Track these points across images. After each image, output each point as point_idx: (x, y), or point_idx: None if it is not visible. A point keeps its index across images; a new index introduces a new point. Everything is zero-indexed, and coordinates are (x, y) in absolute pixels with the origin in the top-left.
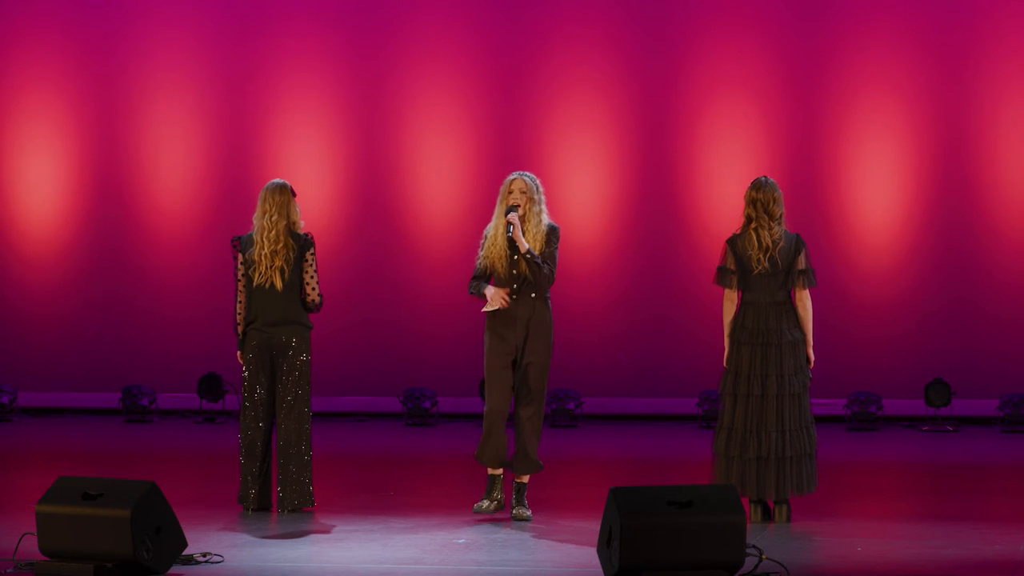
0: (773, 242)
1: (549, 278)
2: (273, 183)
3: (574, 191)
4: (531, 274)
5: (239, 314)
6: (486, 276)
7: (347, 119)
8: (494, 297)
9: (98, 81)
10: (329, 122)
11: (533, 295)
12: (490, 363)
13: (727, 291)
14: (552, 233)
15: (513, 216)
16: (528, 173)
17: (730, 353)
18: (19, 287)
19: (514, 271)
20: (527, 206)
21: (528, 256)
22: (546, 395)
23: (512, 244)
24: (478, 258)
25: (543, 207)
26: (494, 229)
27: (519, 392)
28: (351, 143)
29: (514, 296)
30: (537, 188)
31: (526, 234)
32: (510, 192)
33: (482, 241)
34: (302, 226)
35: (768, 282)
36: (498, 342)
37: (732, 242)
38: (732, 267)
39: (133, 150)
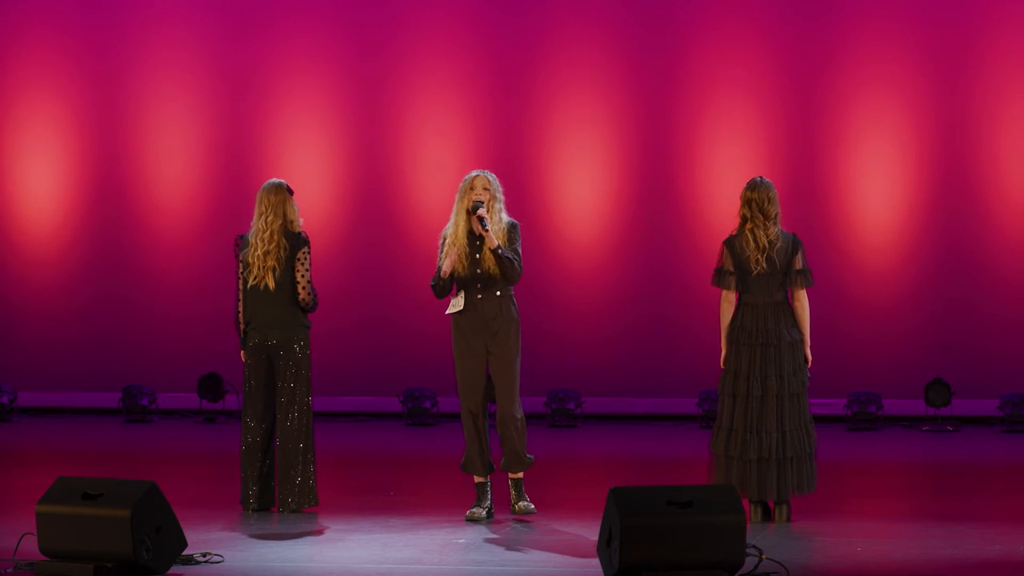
0: (770, 242)
1: (519, 272)
2: (269, 183)
3: (574, 190)
4: (501, 269)
5: (239, 313)
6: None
7: (347, 119)
8: (455, 260)
9: (98, 81)
10: (329, 122)
11: (499, 293)
12: (461, 366)
13: (725, 292)
14: (514, 229)
15: (483, 211)
16: (488, 171)
17: (728, 354)
18: (19, 287)
19: (477, 270)
20: (489, 203)
21: (498, 251)
22: (546, 395)
23: (473, 242)
24: (439, 259)
25: (503, 205)
26: (453, 227)
27: (494, 392)
28: (351, 142)
29: (479, 296)
30: (498, 186)
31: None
32: (471, 188)
33: (441, 242)
34: (300, 224)
35: (767, 282)
36: (466, 344)
37: (729, 243)
38: (730, 268)
39: (133, 150)
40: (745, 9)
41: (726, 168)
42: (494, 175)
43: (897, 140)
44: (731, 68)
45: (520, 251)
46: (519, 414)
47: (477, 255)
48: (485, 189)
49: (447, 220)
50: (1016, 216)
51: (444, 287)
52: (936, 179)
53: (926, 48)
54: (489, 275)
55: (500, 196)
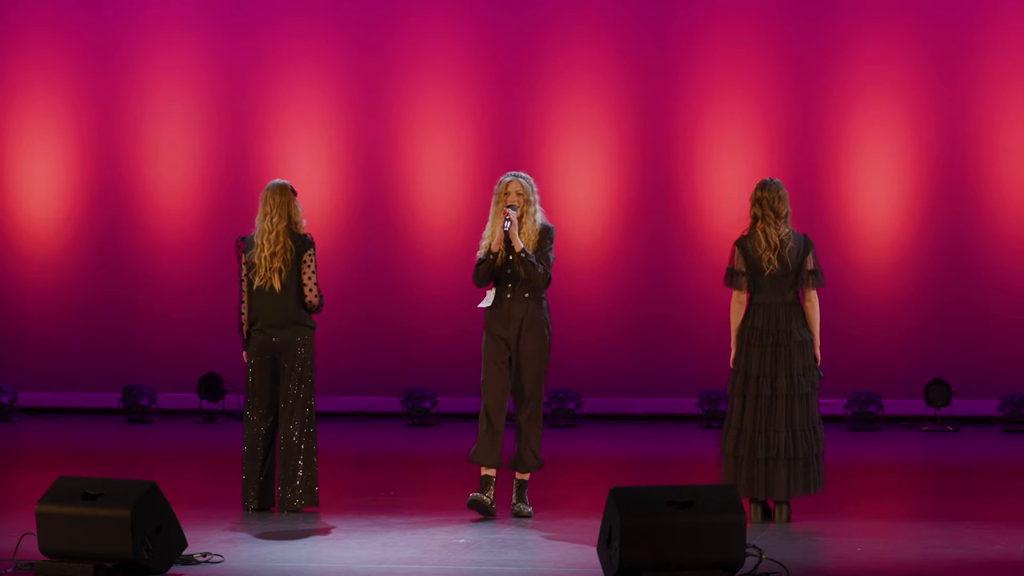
0: (781, 241)
1: (544, 277)
2: (273, 183)
3: (575, 191)
4: (525, 273)
5: (242, 314)
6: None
7: (348, 119)
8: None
9: (98, 81)
10: (330, 122)
11: (527, 295)
12: (486, 361)
13: (736, 293)
14: (546, 233)
15: (512, 213)
16: (523, 174)
17: (738, 354)
18: (19, 287)
19: (509, 271)
20: (523, 207)
21: (523, 255)
22: (546, 395)
23: (508, 243)
24: (479, 253)
25: (538, 207)
26: (491, 229)
27: (516, 392)
28: (352, 143)
29: (508, 295)
30: (532, 189)
31: (521, 234)
32: (506, 194)
33: (482, 242)
34: (304, 225)
35: (778, 282)
36: (494, 341)
37: (741, 243)
38: (742, 268)
39: (133, 150)
40: (746, 10)
41: (727, 169)
42: (528, 177)
43: (897, 140)
44: (732, 69)
45: (551, 256)
46: (539, 415)
47: (511, 256)
48: (519, 194)
49: (448, 220)
50: (1016, 216)
51: (486, 271)
52: (936, 179)
53: (927, 49)
54: (519, 276)
55: (535, 199)
